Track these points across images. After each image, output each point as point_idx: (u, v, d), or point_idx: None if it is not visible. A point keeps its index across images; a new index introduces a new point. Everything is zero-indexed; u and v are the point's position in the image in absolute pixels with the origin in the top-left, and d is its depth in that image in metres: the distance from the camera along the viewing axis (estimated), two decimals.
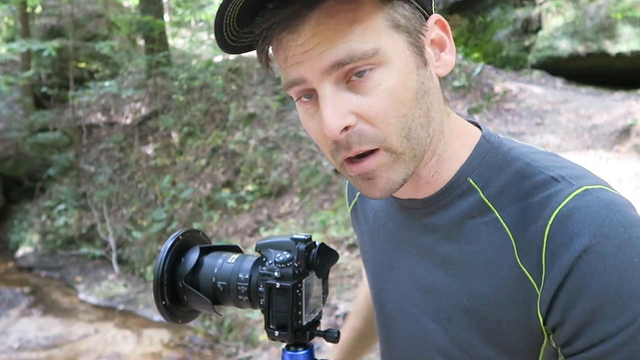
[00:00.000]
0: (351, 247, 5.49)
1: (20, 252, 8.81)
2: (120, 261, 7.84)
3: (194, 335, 5.59)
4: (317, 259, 0.74)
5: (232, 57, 11.07)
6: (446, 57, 0.63)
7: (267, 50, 0.61)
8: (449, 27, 0.62)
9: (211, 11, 14.41)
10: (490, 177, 0.66)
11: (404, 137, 0.60)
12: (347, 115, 0.58)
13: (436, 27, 0.62)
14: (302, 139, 7.89)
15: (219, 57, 11.33)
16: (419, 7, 0.60)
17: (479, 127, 0.72)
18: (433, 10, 0.63)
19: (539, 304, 0.61)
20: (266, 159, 7.86)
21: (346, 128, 0.59)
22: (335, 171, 7.07)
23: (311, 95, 0.61)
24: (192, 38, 14.90)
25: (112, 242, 7.94)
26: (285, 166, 7.64)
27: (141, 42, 12.10)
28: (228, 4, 0.55)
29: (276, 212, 7.06)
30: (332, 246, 0.83)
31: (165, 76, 10.38)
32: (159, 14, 10.85)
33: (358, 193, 0.89)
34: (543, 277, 0.60)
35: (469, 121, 0.73)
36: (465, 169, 0.68)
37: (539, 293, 0.61)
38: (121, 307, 6.49)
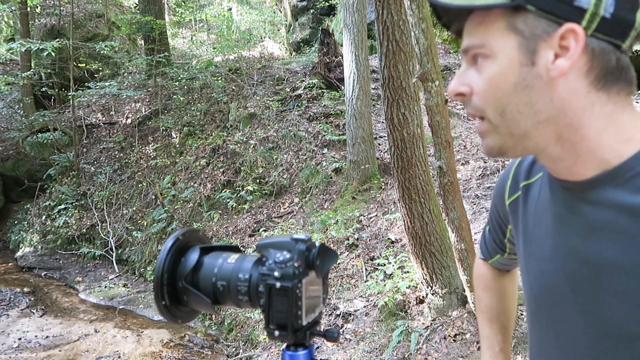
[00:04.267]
0: (351, 247, 5.49)
1: (20, 252, 8.81)
2: (120, 261, 7.84)
3: (194, 335, 5.59)
4: (317, 259, 0.75)
5: (232, 57, 11.07)
6: (560, 63, 0.70)
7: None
8: (581, 40, 0.69)
9: (211, 11, 14.42)
10: None
11: (498, 114, 0.74)
12: (462, 85, 0.77)
13: (567, 37, 0.69)
14: (302, 139, 7.89)
15: (219, 57, 11.34)
16: (552, 17, 0.69)
17: None
18: (584, 24, 0.68)
19: None
20: (266, 159, 7.86)
21: (460, 94, 0.77)
22: (335, 171, 7.07)
23: None
24: (192, 38, 14.91)
25: (112, 242, 7.94)
26: (285, 166, 7.63)
27: (141, 42, 12.10)
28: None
29: (276, 212, 7.06)
30: (332, 246, 0.83)
31: (165, 76, 10.38)
32: (159, 14, 10.85)
33: (523, 184, 0.95)
34: None
35: None
36: (630, 163, 0.72)
37: None
38: (121, 307, 6.49)
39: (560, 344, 0.85)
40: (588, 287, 0.78)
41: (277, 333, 0.74)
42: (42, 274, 8.01)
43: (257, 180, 7.58)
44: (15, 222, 9.77)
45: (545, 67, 0.70)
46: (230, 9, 15.71)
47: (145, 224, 7.96)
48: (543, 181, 0.87)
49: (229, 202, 7.43)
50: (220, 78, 10.13)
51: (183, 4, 15.36)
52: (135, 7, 12.79)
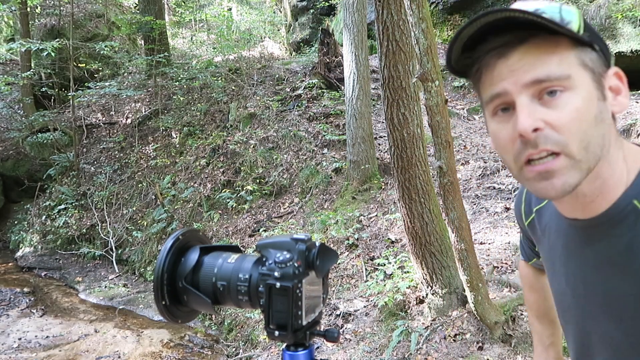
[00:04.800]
0: (351, 247, 5.49)
1: (20, 252, 8.81)
2: (120, 261, 7.84)
3: (194, 335, 5.59)
4: (317, 259, 0.74)
5: (232, 57, 11.07)
6: (622, 100, 0.77)
7: (481, 73, 0.77)
8: (624, 78, 0.77)
9: (211, 11, 14.41)
10: None
11: (583, 147, 0.73)
12: (538, 120, 0.72)
13: (614, 77, 0.77)
14: (302, 139, 7.88)
15: (219, 57, 11.34)
16: (604, 57, 0.76)
17: None
18: (611, 64, 0.77)
19: None
20: (266, 159, 7.86)
21: (536, 130, 0.72)
22: (335, 171, 7.06)
23: (507, 109, 0.76)
24: (192, 38, 14.90)
25: (112, 242, 7.93)
26: (285, 166, 7.63)
27: (141, 42, 12.09)
28: (464, 29, 0.73)
29: (276, 212, 7.05)
30: (332, 246, 0.83)
31: (165, 76, 10.38)
32: (159, 14, 10.85)
33: (535, 208, 1.00)
34: None
35: None
36: (629, 193, 0.77)
37: None
38: (121, 307, 6.49)
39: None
40: (599, 313, 0.84)
41: (277, 333, 0.74)
42: (42, 274, 8.00)
43: (257, 180, 7.58)
44: (15, 222, 9.77)
45: (610, 102, 0.76)
46: (230, 9, 15.71)
47: (145, 224, 7.96)
48: (552, 209, 0.92)
49: (229, 202, 7.43)
50: (220, 78, 10.13)
51: (183, 4, 15.36)
52: (135, 7, 12.79)
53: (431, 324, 3.98)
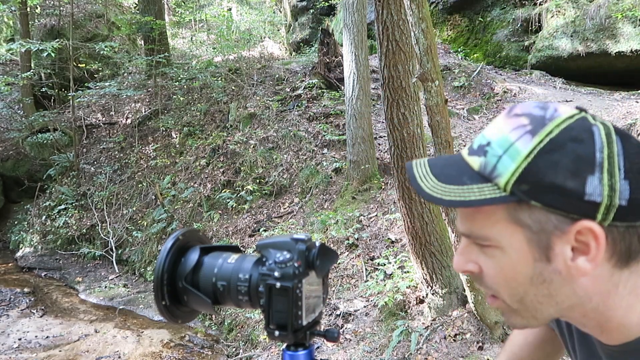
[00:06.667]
0: (351, 247, 5.49)
1: (20, 253, 8.81)
2: (120, 261, 7.84)
3: (194, 335, 5.59)
4: (317, 259, 0.74)
5: (232, 57, 11.08)
6: (581, 264, 0.64)
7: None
8: (602, 240, 0.62)
9: (211, 11, 14.41)
10: None
11: (516, 301, 0.68)
12: (469, 263, 0.70)
13: (584, 233, 0.63)
14: (302, 139, 7.89)
15: (219, 57, 11.34)
16: (562, 213, 0.62)
17: None
18: (599, 217, 0.62)
19: None
20: (266, 159, 7.86)
21: (467, 272, 0.71)
22: (335, 171, 7.07)
23: None
24: (192, 38, 14.91)
25: (112, 242, 7.94)
26: (285, 166, 7.63)
27: (141, 42, 12.10)
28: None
29: (276, 212, 7.05)
30: (332, 246, 0.83)
31: (165, 76, 10.38)
32: (159, 14, 10.85)
33: None
34: None
35: None
36: None
37: None
38: (121, 307, 6.49)
39: None
40: None
41: (277, 333, 0.74)
42: (42, 274, 8.00)
43: (257, 180, 7.58)
44: (15, 222, 9.77)
45: (564, 263, 0.65)
46: (230, 9, 15.71)
47: (145, 224, 7.96)
48: None
49: (229, 202, 7.43)
50: (220, 78, 10.13)
51: (183, 4, 15.36)
52: (135, 7, 12.78)
53: (431, 323, 3.98)
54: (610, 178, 0.60)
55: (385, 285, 4.49)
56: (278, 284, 0.72)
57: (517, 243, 0.65)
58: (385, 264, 4.88)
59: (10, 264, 8.55)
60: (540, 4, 10.02)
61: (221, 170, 8.14)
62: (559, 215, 0.62)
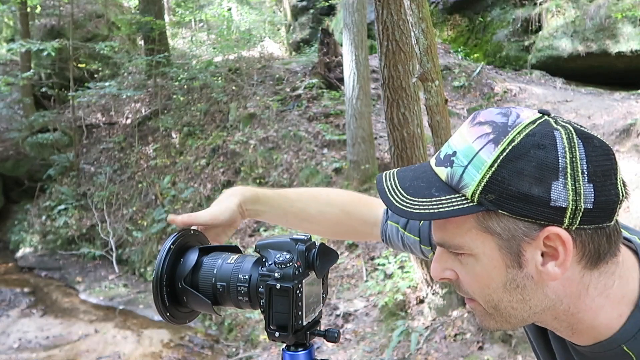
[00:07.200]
0: (351, 247, 5.49)
1: (20, 252, 8.81)
2: (120, 261, 7.84)
3: (194, 335, 5.59)
4: (317, 259, 0.74)
5: (232, 57, 11.08)
6: (550, 269, 0.66)
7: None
8: (569, 245, 0.64)
9: (211, 11, 14.41)
10: None
11: (492, 306, 0.70)
12: (446, 270, 0.72)
13: (552, 239, 0.64)
14: (302, 139, 7.88)
15: (219, 57, 11.33)
16: (529, 220, 0.64)
17: None
18: (566, 222, 0.63)
19: None
20: (266, 159, 7.86)
21: (447, 279, 0.72)
22: (335, 171, 7.07)
23: None
24: (192, 38, 14.90)
25: (112, 242, 7.93)
26: (285, 166, 7.63)
27: (141, 42, 12.09)
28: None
29: None
30: (332, 246, 0.82)
31: (165, 76, 10.37)
32: (159, 14, 10.84)
33: None
34: None
35: None
36: (617, 338, 0.70)
37: None
38: (121, 307, 6.49)
39: None
40: None
41: (277, 334, 0.74)
42: (42, 274, 8.00)
43: (257, 180, 7.58)
44: (15, 222, 9.77)
45: (535, 268, 0.66)
46: (230, 9, 15.70)
47: (145, 224, 7.96)
48: None
49: None
50: (220, 78, 10.13)
51: (183, 4, 15.34)
52: (135, 8, 12.78)
53: (431, 323, 3.98)
54: (574, 183, 0.61)
55: (385, 285, 4.49)
56: (278, 285, 0.72)
57: (489, 251, 0.67)
58: (385, 264, 4.88)
59: (10, 264, 8.55)
60: (540, 4, 10.02)
61: (221, 170, 8.14)
62: (527, 222, 0.64)
